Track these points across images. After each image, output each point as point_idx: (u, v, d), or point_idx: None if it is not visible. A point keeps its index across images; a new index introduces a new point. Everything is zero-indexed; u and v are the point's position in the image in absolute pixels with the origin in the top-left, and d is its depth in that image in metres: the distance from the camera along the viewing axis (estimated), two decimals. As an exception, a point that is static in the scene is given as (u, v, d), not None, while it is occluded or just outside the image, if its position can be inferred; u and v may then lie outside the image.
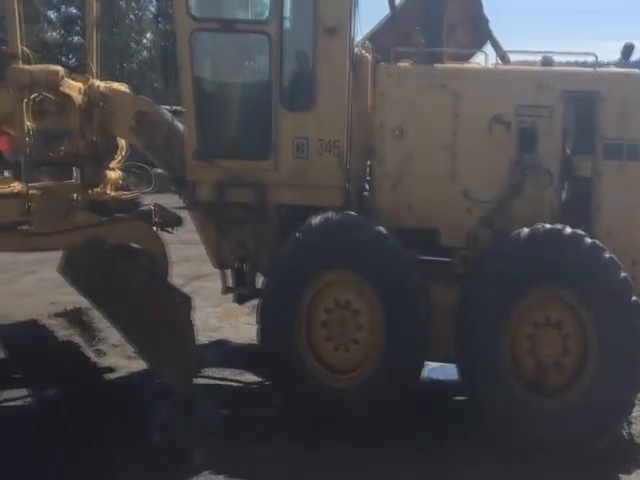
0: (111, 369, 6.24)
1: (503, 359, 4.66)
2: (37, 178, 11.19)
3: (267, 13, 5.16)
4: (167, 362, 5.02)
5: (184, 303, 5.11)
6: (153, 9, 44.98)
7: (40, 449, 4.63)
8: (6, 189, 6.05)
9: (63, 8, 41.96)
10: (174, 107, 5.39)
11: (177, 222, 6.22)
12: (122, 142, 6.25)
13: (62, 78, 5.33)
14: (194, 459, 4.58)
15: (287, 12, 5.20)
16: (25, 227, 5.83)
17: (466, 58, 6.03)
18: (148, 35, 42.91)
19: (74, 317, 7.67)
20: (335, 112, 5.26)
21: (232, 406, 5.45)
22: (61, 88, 5.34)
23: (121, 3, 38.68)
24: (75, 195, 5.89)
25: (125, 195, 6.43)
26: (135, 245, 5.70)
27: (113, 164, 6.24)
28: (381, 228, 4.84)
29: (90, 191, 6.08)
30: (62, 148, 5.62)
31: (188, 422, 5.16)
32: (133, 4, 41.03)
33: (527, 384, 4.70)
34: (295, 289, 4.88)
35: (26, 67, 5.25)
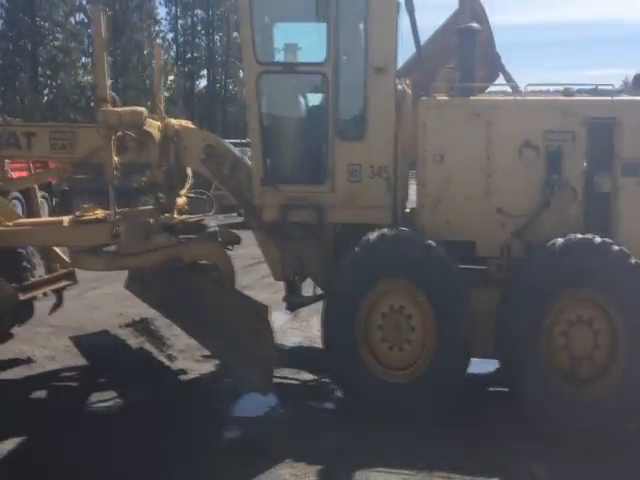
0: (184, 371, 6.46)
1: (541, 354, 4.90)
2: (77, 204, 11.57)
3: (324, 56, 5.46)
4: (248, 363, 5.22)
5: (263, 309, 5.34)
6: (173, 54, 46.39)
7: (133, 446, 4.81)
8: (92, 216, 6.37)
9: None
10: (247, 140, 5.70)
11: (236, 241, 6.50)
12: (189, 172, 6.58)
13: (145, 118, 5.65)
14: (272, 452, 4.71)
15: (341, 55, 5.50)
16: (106, 249, 6.17)
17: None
18: (170, 77, 44.01)
19: (142, 327, 7.96)
20: (383, 141, 5.56)
21: (298, 401, 5.67)
22: (144, 127, 5.66)
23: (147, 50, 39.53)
24: (151, 219, 6.19)
25: (191, 218, 6.73)
26: (206, 262, 6.01)
27: (182, 192, 6.55)
28: (431, 242, 5.12)
29: (162, 215, 6.41)
30: (143, 179, 5.92)
31: (262, 417, 5.40)
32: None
33: (562, 376, 4.93)
34: (355, 297, 5.13)
35: (114, 109, 5.56)
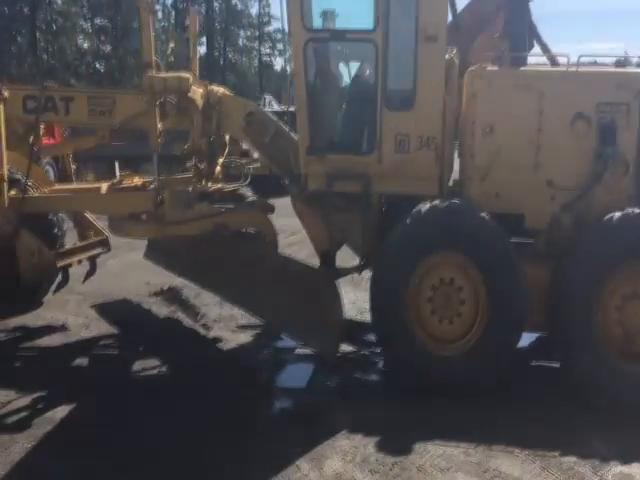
0: (220, 340, 6.41)
1: (595, 328, 4.83)
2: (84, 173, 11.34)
3: (373, 24, 5.26)
4: (313, 331, 5.12)
5: (330, 276, 5.23)
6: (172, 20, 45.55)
7: (183, 415, 4.73)
8: (131, 184, 6.22)
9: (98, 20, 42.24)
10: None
11: (271, 210, 6.38)
12: (227, 140, 6.42)
13: (191, 85, 5.47)
14: (325, 423, 4.65)
15: (391, 23, 5.30)
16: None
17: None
18: (171, 44, 43.24)
19: (170, 296, 7.86)
20: (432, 111, 5.39)
21: (341, 373, 5.60)
22: (189, 94, 5.48)
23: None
24: (190, 187, 6.05)
25: (227, 187, 6.58)
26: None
27: (220, 160, 6.40)
28: (484, 214, 5.01)
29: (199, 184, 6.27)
30: (185, 146, 5.75)
31: (309, 388, 5.33)
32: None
33: (616, 350, 4.88)
34: (405, 269, 5.02)
35: (160, 75, 5.38)
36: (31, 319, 6.86)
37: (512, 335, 4.98)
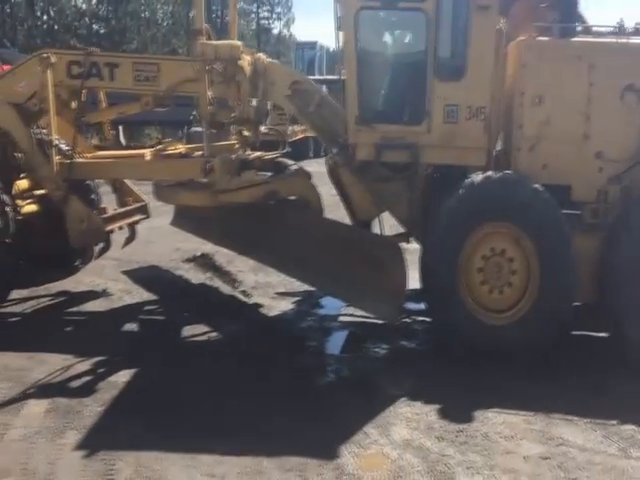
0: (262, 306, 6.46)
1: (646, 298, 4.90)
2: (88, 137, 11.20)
3: (426, -8, 5.18)
4: (374, 296, 5.10)
5: (394, 242, 5.19)
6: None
7: (240, 382, 4.77)
8: (174, 150, 6.17)
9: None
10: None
11: (310, 177, 6.36)
12: (268, 109, 6.35)
13: (241, 52, 5.39)
14: (383, 390, 4.69)
15: (444, -9, 5.22)
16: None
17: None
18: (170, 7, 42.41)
19: (203, 262, 7.89)
20: (482, 81, 5.34)
21: (388, 340, 5.67)
22: (239, 61, 5.40)
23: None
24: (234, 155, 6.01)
25: (267, 156, 6.54)
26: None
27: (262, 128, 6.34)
28: (537, 185, 5.02)
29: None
30: (233, 114, 5.69)
31: (360, 355, 5.40)
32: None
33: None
34: (458, 239, 5.05)
35: (211, 42, 5.29)
36: (71, 284, 6.89)
37: (563, 304, 5.03)
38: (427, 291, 5.25)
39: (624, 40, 5.35)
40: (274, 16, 56.99)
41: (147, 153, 6.08)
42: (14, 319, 5.91)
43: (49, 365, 4.89)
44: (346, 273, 5.30)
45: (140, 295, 6.66)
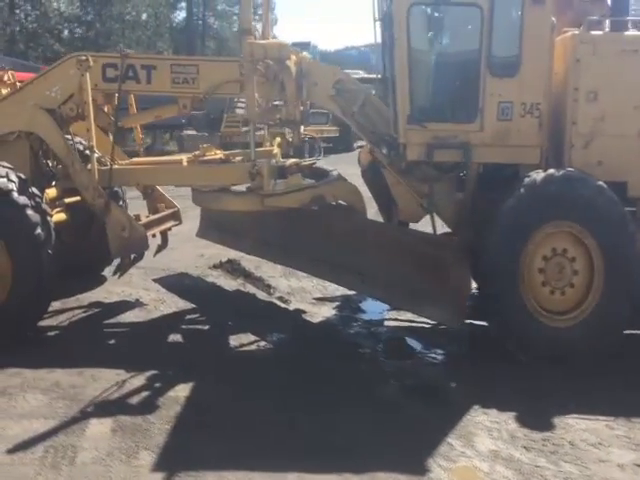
0: (305, 312, 6.26)
1: None
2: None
3: (479, -13, 5.03)
4: (434, 299, 4.94)
5: (455, 243, 5.03)
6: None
7: (299, 392, 4.61)
8: (215, 156, 5.97)
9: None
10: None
11: None
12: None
13: (290, 52, 5.20)
14: (452, 397, 4.59)
15: (497, -15, 5.07)
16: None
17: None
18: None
19: (231, 268, 7.68)
20: (537, 77, 5.21)
21: (440, 345, 5.52)
22: (287, 61, 5.22)
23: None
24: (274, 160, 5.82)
25: (305, 162, 6.36)
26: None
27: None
28: (601, 182, 4.89)
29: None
30: (278, 116, 5.49)
31: (419, 361, 5.24)
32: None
33: None
34: (519, 239, 4.90)
35: (260, 42, 5.10)
36: (103, 294, 6.64)
37: (627, 305, 4.91)
38: (485, 293, 5.09)
39: (679, 33, 5.25)
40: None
41: (183, 159, 5.86)
42: (52, 333, 5.65)
43: (102, 381, 4.65)
44: (401, 277, 5.12)
45: (175, 304, 6.43)
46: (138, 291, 6.78)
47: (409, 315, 6.11)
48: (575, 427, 4.12)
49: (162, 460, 3.67)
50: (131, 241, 5.48)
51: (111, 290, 6.77)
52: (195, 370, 4.88)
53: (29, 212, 4.98)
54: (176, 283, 7.13)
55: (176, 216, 6.55)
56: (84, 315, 6.11)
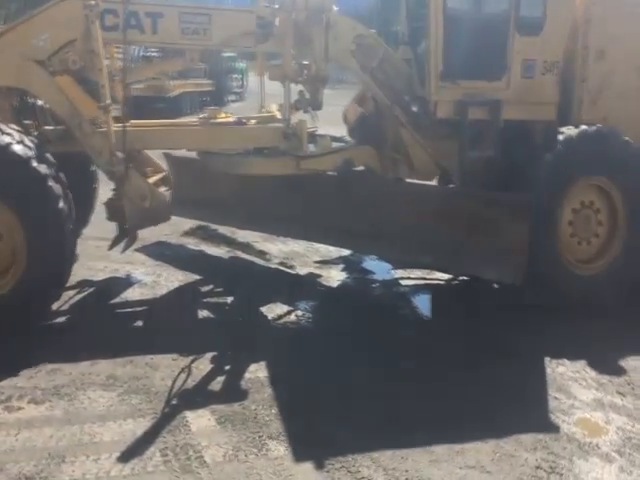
0: (320, 277, 5.94)
1: None
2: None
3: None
4: (492, 259, 4.82)
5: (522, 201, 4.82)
6: None
7: (371, 364, 4.42)
8: (225, 118, 5.39)
9: None
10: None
11: None
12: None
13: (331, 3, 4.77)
14: (513, 349, 4.60)
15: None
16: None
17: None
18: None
19: (206, 234, 7.13)
20: (558, 36, 5.30)
21: (467, 300, 5.55)
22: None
23: None
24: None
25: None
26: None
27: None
28: (628, 138, 5.11)
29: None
30: (305, 72, 5.05)
31: (456, 317, 5.22)
32: None
33: None
34: (558, 193, 5.05)
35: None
36: (84, 272, 5.79)
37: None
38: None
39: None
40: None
41: (191, 121, 5.23)
42: (60, 319, 4.87)
43: (163, 369, 4.11)
44: (452, 239, 4.98)
45: (175, 276, 5.82)
46: (123, 265, 6.04)
47: (418, 272, 6.10)
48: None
49: (299, 449, 3.34)
50: (152, 211, 4.82)
51: (91, 266, 5.95)
52: (251, 347, 4.48)
53: (51, 183, 4.18)
54: (160, 254, 6.47)
55: (166, 181, 5.87)
56: (81, 297, 5.33)
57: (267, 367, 4.19)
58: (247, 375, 4.09)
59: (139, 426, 3.48)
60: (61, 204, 4.23)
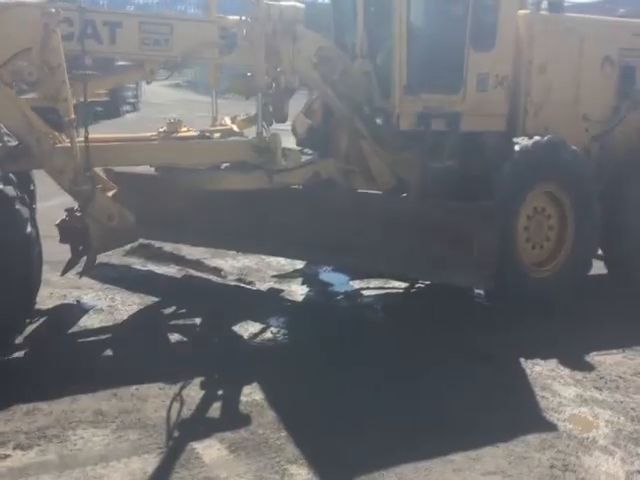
0: (282, 292, 5.83)
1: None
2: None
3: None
4: (461, 266, 4.84)
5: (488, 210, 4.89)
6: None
7: (371, 379, 4.40)
8: (187, 132, 5.16)
9: None
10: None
11: None
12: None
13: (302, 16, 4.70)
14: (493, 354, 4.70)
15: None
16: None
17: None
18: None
19: (148, 253, 6.77)
20: (507, 51, 5.56)
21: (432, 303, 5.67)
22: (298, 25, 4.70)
23: None
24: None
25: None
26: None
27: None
28: (574, 147, 5.44)
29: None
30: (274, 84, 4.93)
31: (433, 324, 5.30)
32: None
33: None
34: (517, 201, 5.27)
35: (275, 2, 4.49)
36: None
37: (592, 256, 5.62)
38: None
39: (604, 17, 6.00)
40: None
41: (151, 136, 4.97)
42: (18, 354, 4.43)
43: (153, 400, 3.85)
44: (421, 248, 5.04)
45: (131, 300, 5.47)
46: (70, 291, 5.61)
47: (376, 282, 6.14)
48: (607, 363, 4.63)
49: (322, 471, 3.24)
50: (119, 232, 4.50)
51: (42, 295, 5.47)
52: (236, 369, 4.33)
53: (18, 206, 3.80)
54: (106, 276, 6.01)
55: (118, 198, 5.51)
56: (34, 327, 4.87)
57: (261, 388, 4.05)
58: (243, 398, 3.93)
59: (147, 463, 3.24)
60: (29, 228, 3.87)
